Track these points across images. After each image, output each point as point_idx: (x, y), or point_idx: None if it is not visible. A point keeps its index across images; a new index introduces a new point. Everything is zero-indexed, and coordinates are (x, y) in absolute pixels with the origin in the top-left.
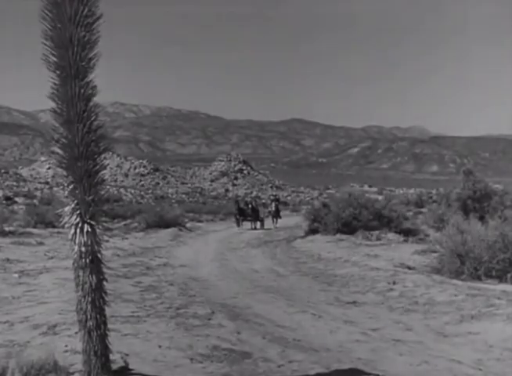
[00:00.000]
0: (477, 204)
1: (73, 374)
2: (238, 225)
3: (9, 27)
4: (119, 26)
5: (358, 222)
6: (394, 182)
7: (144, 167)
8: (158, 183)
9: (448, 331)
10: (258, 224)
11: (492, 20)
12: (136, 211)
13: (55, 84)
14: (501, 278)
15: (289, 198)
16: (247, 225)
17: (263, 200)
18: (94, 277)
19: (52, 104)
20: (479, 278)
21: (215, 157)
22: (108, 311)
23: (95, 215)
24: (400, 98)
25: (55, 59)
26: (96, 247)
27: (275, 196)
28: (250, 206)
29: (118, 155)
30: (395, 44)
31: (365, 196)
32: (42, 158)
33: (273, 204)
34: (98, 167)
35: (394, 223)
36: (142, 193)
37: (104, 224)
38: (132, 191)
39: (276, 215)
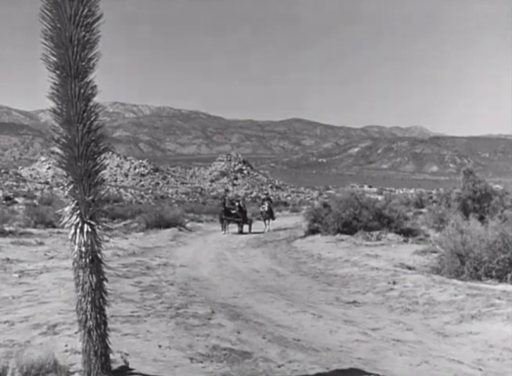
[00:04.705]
0: (477, 204)
1: (73, 373)
2: (223, 228)
3: (8, 27)
4: (119, 25)
5: (358, 222)
6: (394, 182)
7: (144, 167)
8: (158, 183)
9: (449, 331)
10: (246, 227)
11: (491, 20)
12: (136, 211)
13: (55, 84)
14: (501, 278)
15: (289, 198)
16: (234, 229)
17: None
18: (94, 277)
19: (51, 104)
20: (479, 278)
21: (215, 157)
22: (108, 311)
23: (95, 215)
24: (400, 98)
25: (55, 59)
26: (96, 247)
27: (267, 194)
28: (237, 204)
29: (118, 155)
30: (395, 44)
31: (366, 196)
32: (42, 158)
33: (266, 204)
34: (98, 167)
35: (394, 223)
36: (142, 193)
37: (104, 224)
38: (132, 191)
39: (269, 216)
